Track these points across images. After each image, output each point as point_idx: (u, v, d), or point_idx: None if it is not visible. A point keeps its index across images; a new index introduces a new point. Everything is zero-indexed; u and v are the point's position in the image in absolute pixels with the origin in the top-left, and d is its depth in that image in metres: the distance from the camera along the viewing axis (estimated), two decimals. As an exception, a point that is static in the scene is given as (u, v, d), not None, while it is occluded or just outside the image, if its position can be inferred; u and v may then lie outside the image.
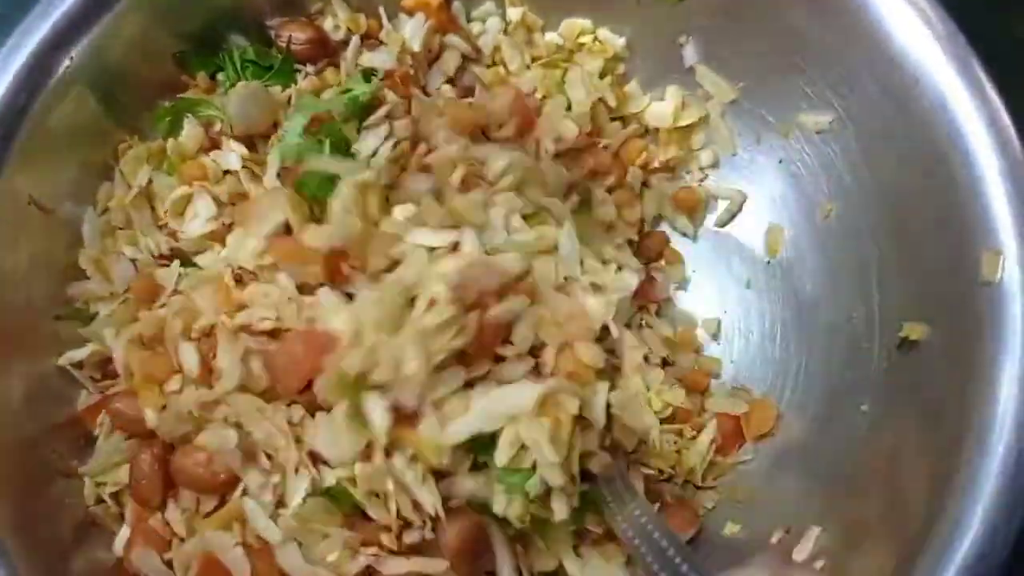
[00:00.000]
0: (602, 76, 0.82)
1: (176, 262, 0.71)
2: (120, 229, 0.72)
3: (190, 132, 0.71)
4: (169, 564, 0.64)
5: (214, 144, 0.72)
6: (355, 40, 0.76)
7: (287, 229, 0.64)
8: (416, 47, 0.78)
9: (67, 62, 0.68)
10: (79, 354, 0.69)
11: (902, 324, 0.66)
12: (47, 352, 0.69)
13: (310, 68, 0.75)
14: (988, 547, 0.55)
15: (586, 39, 0.83)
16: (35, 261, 0.68)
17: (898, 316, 0.67)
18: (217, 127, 0.72)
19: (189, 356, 0.63)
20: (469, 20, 0.83)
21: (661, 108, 0.83)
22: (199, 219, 0.70)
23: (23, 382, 0.66)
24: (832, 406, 0.72)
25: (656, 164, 0.83)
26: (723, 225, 0.84)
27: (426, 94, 0.78)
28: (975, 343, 0.60)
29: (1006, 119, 0.62)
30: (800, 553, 0.65)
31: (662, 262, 0.83)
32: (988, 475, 0.57)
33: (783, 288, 0.80)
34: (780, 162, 0.79)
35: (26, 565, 0.60)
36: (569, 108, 0.80)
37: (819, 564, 0.64)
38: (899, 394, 0.66)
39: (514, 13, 0.82)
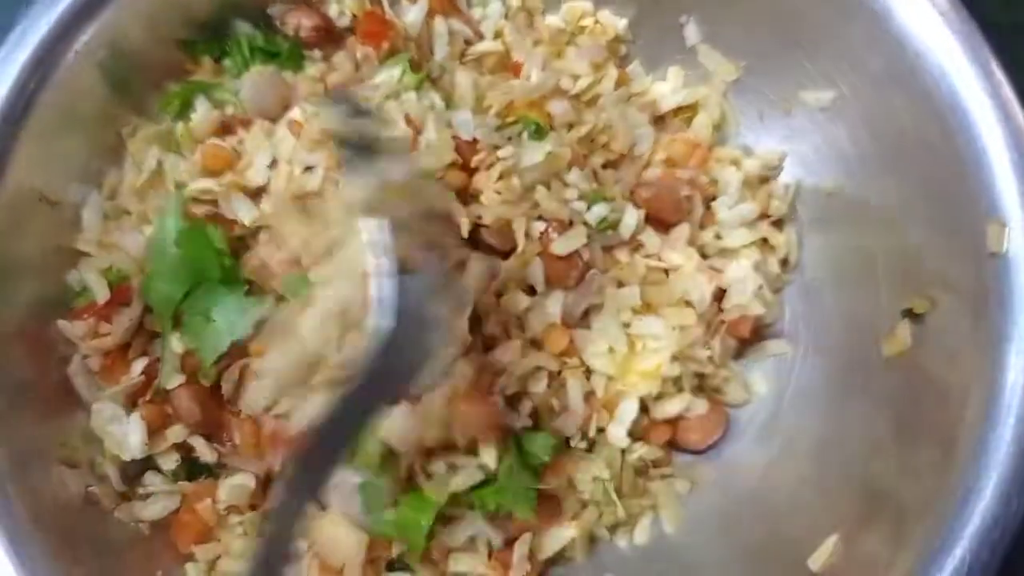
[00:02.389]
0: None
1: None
2: (128, 214, 0.72)
3: (204, 115, 0.71)
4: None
5: (226, 128, 0.72)
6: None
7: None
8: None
9: (76, 47, 0.68)
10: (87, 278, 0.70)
11: (907, 298, 0.67)
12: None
13: (317, 54, 0.75)
14: (1002, 512, 0.56)
15: (587, 21, 0.83)
16: (42, 243, 0.69)
17: (903, 290, 0.67)
18: (229, 111, 0.72)
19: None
20: (471, 5, 0.83)
21: (663, 88, 0.83)
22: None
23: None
24: (839, 383, 0.73)
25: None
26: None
27: (430, 79, 0.78)
28: (982, 314, 0.61)
29: (1009, 91, 0.63)
30: (816, 563, 0.64)
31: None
32: (999, 444, 0.57)
33: (788, 267, 0.81)
34: (783, 140, 0.80)
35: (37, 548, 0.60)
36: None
37: (832, 538, 0.64)
38: (908, 368, 0.67)
39: (514, -3, 0.82)
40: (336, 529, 0.66)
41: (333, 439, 0.53)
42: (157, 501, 0.70)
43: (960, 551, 0.56)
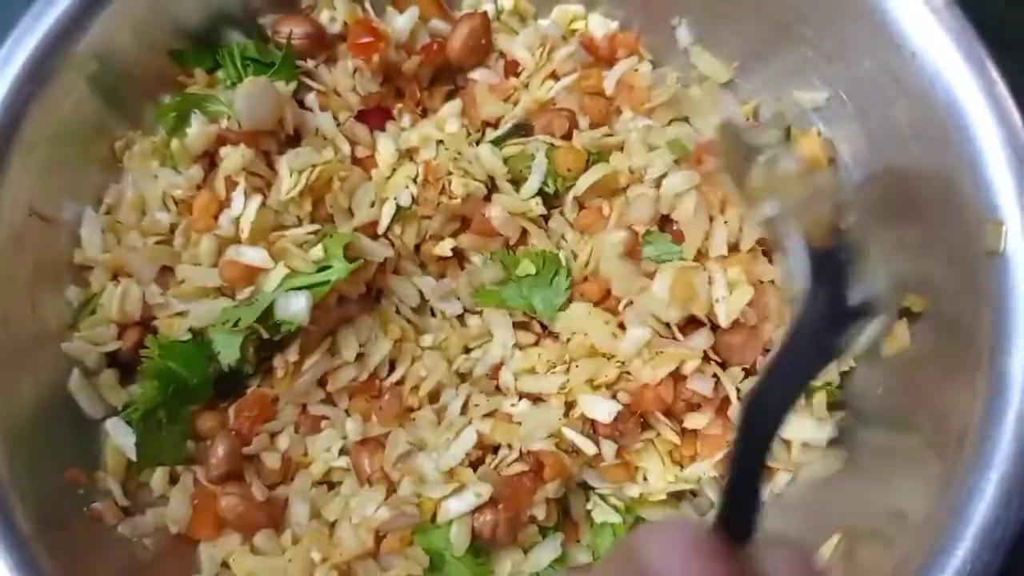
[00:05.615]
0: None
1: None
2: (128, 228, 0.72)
3: (199, 130, 0.71)
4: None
5: (220, 141, 0.72)
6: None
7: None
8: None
9: (67, 58, 0.67)
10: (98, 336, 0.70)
11: (905, 297, 0.67)
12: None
13: (310, 62, 0.75)
14: (1003, 512, 0.56)
15: (579, 25, 0.83)
16: (39, 260, 0.69)
17: (902, 290, 0.67)
18: (224, 123, 0.71)
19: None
20: (460, 9, 0.83)
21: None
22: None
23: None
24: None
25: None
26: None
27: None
28: (981, 313, 0.61)
29: (1004, 90, 0.63)
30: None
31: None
32: (1000, 442, 0.57)
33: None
34: (777, 141, 0.80)
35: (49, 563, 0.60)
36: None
37: (836, 538, 0.65)
38: (908, 368, 0.67)
39: (507, 0, 0.82)
40: None
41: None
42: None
43: (962, 551, 0.56)
